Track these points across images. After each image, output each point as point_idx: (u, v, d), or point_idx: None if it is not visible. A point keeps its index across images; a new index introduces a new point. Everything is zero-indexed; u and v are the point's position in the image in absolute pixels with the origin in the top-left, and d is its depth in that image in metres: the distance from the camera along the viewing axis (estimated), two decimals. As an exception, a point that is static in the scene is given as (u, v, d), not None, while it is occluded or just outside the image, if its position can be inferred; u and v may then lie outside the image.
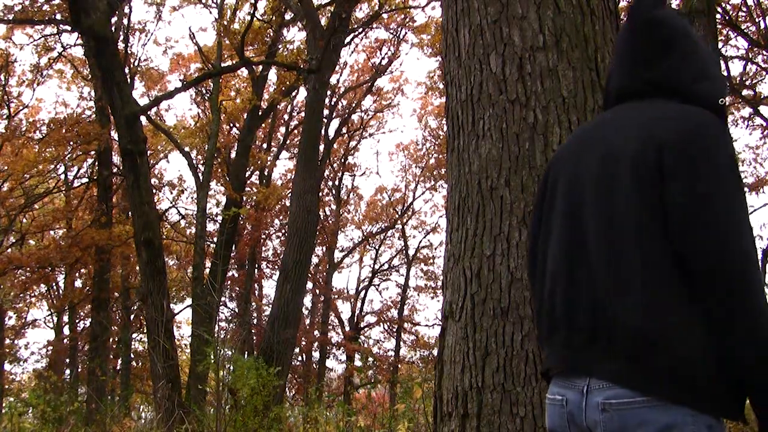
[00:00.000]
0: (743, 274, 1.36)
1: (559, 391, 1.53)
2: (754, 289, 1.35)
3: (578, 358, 1.49)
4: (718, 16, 10.97)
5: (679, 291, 1.39)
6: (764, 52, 13.88)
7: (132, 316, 18.95)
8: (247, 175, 18.34)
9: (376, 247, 24.84)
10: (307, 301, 22.76)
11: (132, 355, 19.42)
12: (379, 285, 24.96)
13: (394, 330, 23.76)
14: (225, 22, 14.26)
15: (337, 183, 23.74)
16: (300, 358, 21.87)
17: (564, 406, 1.50)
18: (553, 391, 1.56)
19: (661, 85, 1.59)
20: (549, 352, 1.60)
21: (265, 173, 21.10)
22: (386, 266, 24.90)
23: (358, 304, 23.77)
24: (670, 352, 1.37)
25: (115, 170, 15.79)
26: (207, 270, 13.70)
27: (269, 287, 24.18)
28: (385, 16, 16.97)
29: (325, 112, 17.33)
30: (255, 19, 12.68)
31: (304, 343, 20.85)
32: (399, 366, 21.79)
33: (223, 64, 14.59)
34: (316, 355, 22.68)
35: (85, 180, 17.75)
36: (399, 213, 24.30)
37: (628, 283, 1.42)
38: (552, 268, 1.58)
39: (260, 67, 15.27)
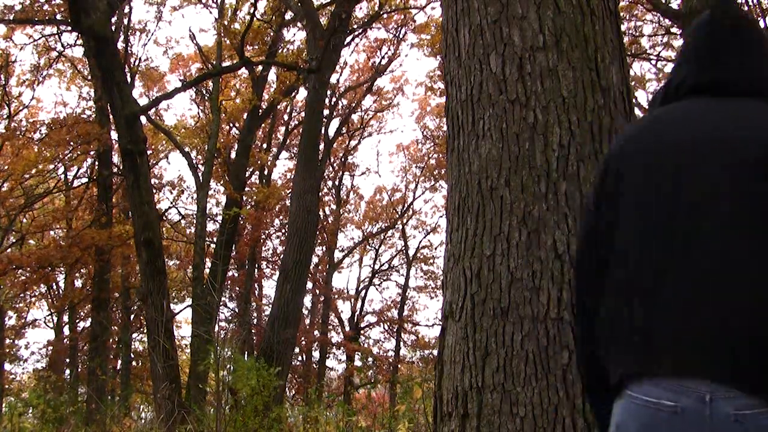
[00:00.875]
0: None
1: (669, 396, 1.32)
2: None
3: (697, 361, 1.33)
4: (718, 16, 10.94)
5: None
6: (764, 52, 13.87)
7: (132, 316, 18.95)
8: (247, 175, 18.34)
9: (376, 247, 24.85)
10: (307, 301, 22.76)
11: (132, 355, 19.42)
12: (379, 285, 24.98)
13: (394, 330, 23.76)
14: (225, 22, 14.26)
15: (337, 183, 23.75)
16: (300, 358, 21.87)
17: (677, 413, 1.30)
18: (655, 393, 1.34)
19: (756, 82, 1.53)
20: (645, 350, 1.40)
21: (265, 173, 21.10)
22: (386, 266, 24.92)
23: (358, 304, 23.78)
24: None
25: (115, 170, 15.80)
26: (207, 270, 13.70)
27: (269, 287, 24.20)
28: (385, 16, 16.97)
29: (325, 112, 17.32)
30: (255, 19, 12.68)
31: (304, 343, 20.85)
32: (399, 366, 21.80)
33: (223, 64, 14.59)
34: (316, 355, 22.69)
35: (85, 180, 17.75)
36: (399, 213, 24.30)
37: (749, 284, 1.33)
38: (657, 266, 1.41)
39: (260, 67, 15.26)
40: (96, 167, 16.48)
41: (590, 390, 1.61)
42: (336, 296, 23.54)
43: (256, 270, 21.51)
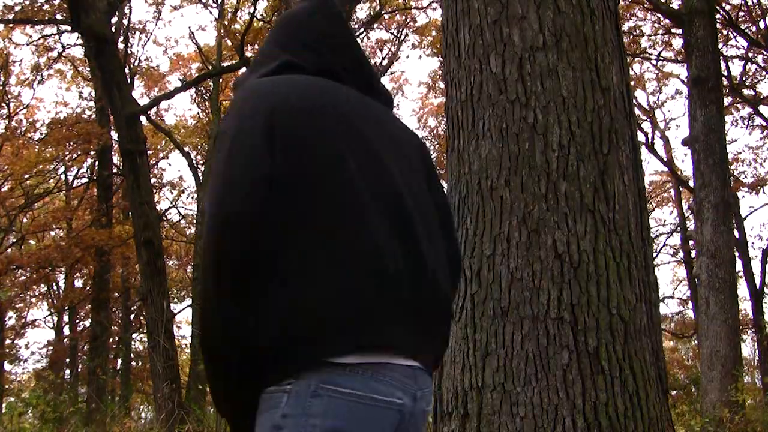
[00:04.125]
0: None
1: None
2: None
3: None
4: (718, 16, 10.97)
5: None
6: (764, 52, 13.88)
7: (132, 316, 18.96)
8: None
9: (376, 247, 24.83)
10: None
11: (132, 355, 19.43)
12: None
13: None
14: (225, 22, 14.26)
15: (337, 183, 23.73)
16: (300, 358, 21.83)
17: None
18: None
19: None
20: None
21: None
22: (386, 266, 24.89)
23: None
24: None
25: (115, 170, 15.79)
26: (207, 270, 13.66)
27: (269, 287, 24.16)
28: (386, 16, 16.97)
29: (325, 112, 17.28)
30: (255, 19, 12.68)
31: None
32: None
33: (223, 64, 14.59)
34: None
35: (85, 180, 17.76)
36: (399, 213, 24.28)
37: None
38: None
39: (260, 67, 15.23)
40: (96, 167, 16.48)
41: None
42: (336, 296, 23.52)
43: (256, 270, 21.48)
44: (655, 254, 18.35)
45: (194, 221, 18.15)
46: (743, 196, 18.01)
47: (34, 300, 20.22)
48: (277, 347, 1.14)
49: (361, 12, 16.07)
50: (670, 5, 10.79)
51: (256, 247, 1.15)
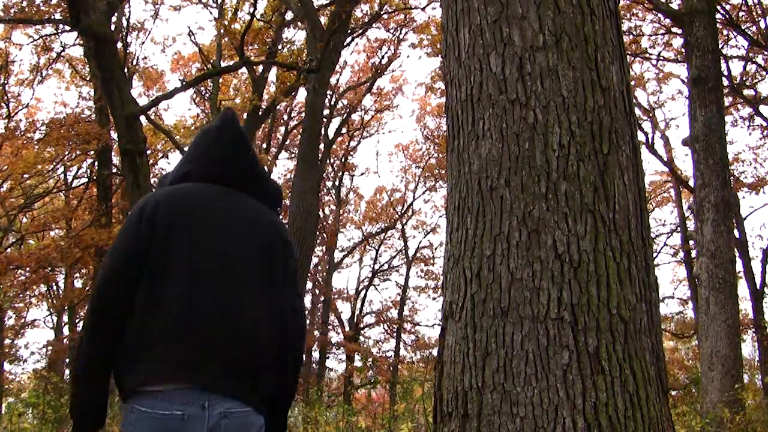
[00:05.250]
0: None
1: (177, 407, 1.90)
2: None
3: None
4: (718, 16, 10.97)
5: None
6: (764, 52, 13.87)
7: (132, 316, 18.91)
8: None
9: (376, 248, 24.85)
10: (307, 301, 22.76)
11: (132, 355, 19.38)
12: (379, 285, 24.96)
13: (394, 330, 23.76)
14: (225, 22, 14.25)
15: (337, 183, 23.75)
16: (300, 358, 21.81)
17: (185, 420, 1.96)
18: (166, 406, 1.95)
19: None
20: None
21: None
22: (386, 266, 24.91)
23: (358, 304, 23.77)
24: None
25: (115, 170, 15.79)
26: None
27: (269, 287, 24.12)
28: (385, 16, 16.96)
29: (325, 112, 17.31)
30: (255, 19, 12.67)
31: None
32: (399, 366, 21.79)
33: (223, 64, 14.59)
34: (316, 355, 22.67)
35: (84, 180, 17.75)
36: (399, 213, 24.29)
37: (241, 323, 1.99)
38: None
39: (260, 67, 15.26)
40: (96, 167, 16.47)
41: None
42: (336, 296, 23.53)
43: (256, 270, 21.47)
44: (655, 254, 18.34)
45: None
46: (743, 196, 18.01)
47: (33, 300, 20.22)
48: (117, 378, 1.92)
49: (360, 12, 16.06)
50: (670, 5, 10.79)
51: (122, 294, 1.93)
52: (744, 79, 14.46)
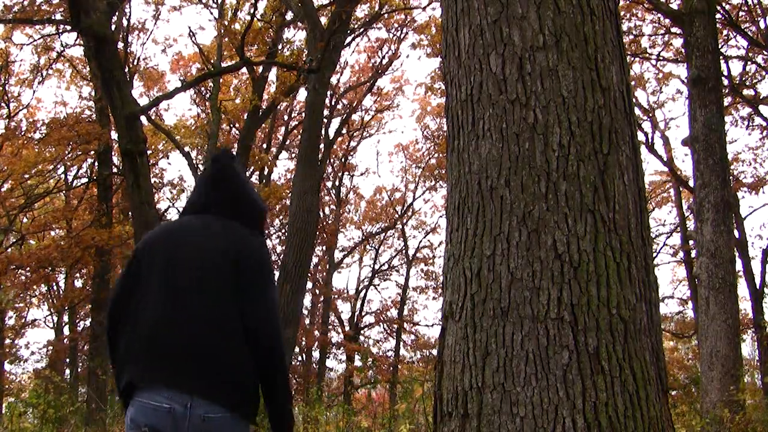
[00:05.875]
0: None
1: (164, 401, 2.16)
2: None
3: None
4: (718, 16, 10.97)
5: None
6: (764, 52, 13.87)
7: (132, 316, 18.91)
8: (247, 175, 18.29)
9: (376, 247, 24.84)
10: (307, 301, 22.76)
11: (132, 355, 19.38)
12: (378, 285, 24.96)
13: (394, 330, 23.76)
14: (225, 22, 14.26)
15: (337, 183, 23.74)
16: (300, 358, 21.87)
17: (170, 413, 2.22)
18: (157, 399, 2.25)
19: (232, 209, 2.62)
20: None
21: (265, 173, 21.10)
22: (386, 266, 24.91)
23: (358, 304, 23.77)
24: None
25: (115, 170, 15.79)
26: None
27: (269, 287, 24.11)
28: (385, 16, 16.96)
29: (325, 112, 17.31)
30: (255, 19, 12.67)
31: (304, 343, 20.85)
32: (399, 366, 21.79)
33: (223, 64, 14.59)
34: (316, 355, 22.69)
35: (85, 180, 17.76)
36: (399, 213, 24.29)
37: (209, 332, 2.27)
38: None
39: (260, 67, 15.26)
40: (96, 167, 16.48)
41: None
42: (336, 296, 23.53)
43: (256, 270, 21.45)
44: (655, 254, 18.35)
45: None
46: (743, 196, 18.00)
47: (34, 300, 20.23)
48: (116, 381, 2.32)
49: (360, 12, 16.06)
50: (670, 5, 10.79)
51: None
52: (744, 79, 14.46)
